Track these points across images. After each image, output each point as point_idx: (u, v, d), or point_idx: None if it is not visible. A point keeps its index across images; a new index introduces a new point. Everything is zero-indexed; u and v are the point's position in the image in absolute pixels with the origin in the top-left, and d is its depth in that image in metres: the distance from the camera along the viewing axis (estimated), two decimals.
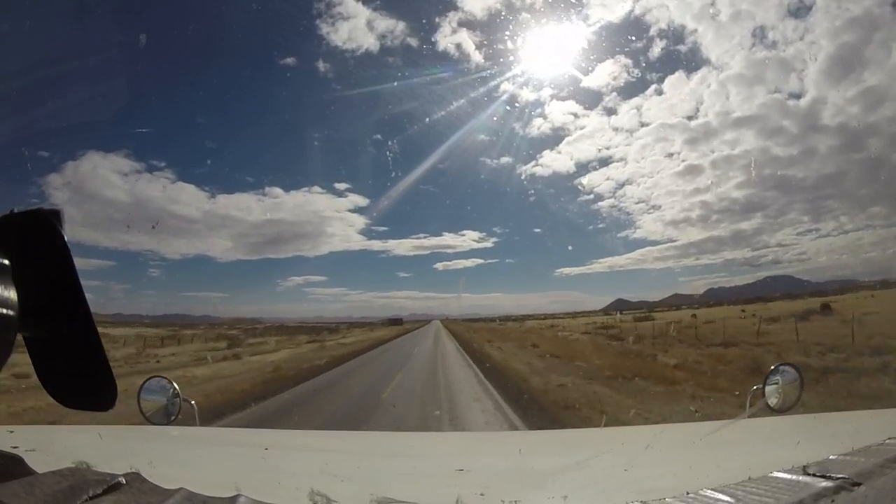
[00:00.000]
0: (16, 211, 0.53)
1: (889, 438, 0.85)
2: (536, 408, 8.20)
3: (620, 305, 29.54)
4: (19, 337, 0.52)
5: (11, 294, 0.48)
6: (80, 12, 20.10)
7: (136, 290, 30.17)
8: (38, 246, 0.53)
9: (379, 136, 27.60)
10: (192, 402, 1.87)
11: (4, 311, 0.47)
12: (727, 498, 0.68)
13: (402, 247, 32.34)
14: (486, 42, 23.63)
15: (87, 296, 0.56)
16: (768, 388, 1.71)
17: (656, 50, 24.04)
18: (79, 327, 0.56)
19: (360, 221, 30.06)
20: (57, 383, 0.58)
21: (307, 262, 32.62)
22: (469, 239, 31.70)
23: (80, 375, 0.58)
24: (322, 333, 29.76)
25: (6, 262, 0.49)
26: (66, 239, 0.54)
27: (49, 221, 0.53)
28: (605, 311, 29.47)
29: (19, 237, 0.52)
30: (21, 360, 0.56)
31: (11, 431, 1.50)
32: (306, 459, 1.56)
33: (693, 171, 26.65)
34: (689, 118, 25.03)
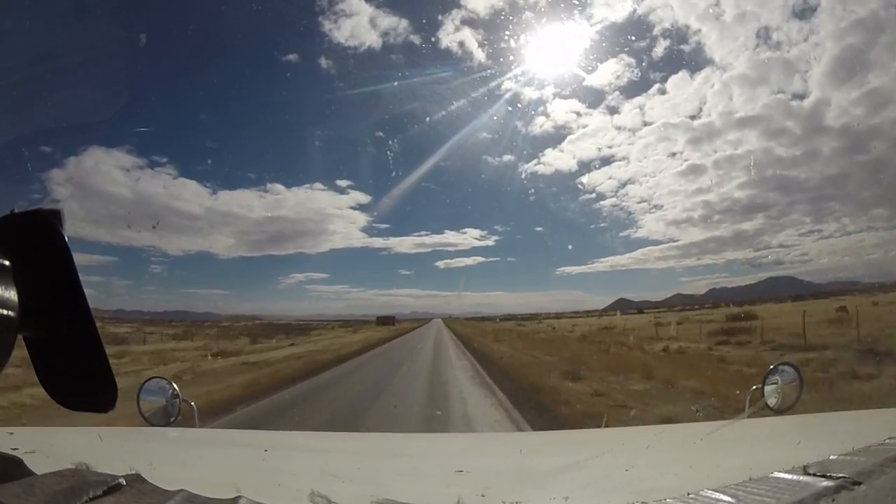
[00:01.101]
0: (16, 211, 0.53)
1: (889, 438, 0.85)
2: None
3: (622, 305, 29.46)
4: (19, 337, 0.52)
5: (11, 294, 0.48)
6: (81, 11, 20.11)
7: (138, 287, 30.15)
8: (38, 246, 0.53)
9: (381, 134, 27.58)
10: (192, 403, 1.86)
11: (4, 311, 0.47)
12: (728, 498, 0.68)
13: (404, 244, 32.18)
14: (488, 40, 23.66)
15: (89, 292, 0.56)
16: (767, 388, 1.71)
17: (660, 49, 24.08)
18: (79, 328, 0.56)
19: (362, 219, 29.94)
20: (57, 384, 0.58)
21: (308, 259, 32.57)
22: (470, 237, 31.59)
23: (80, 376, 0.58)
24: (275, 337, 24.54)
25: (6, 262, 0.49)
26: (66, 239, 0.54)
27: (49, 221, 0.53)
28: (606, 310, 29.29)
29: (19, 237, 0.51)
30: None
31: (11, 433, 1.50)
32: (306, 460, 1.56)
33: (695, 170, 26.67)
34: (692, 118, 25.05)
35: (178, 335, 23.90)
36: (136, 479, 0.66)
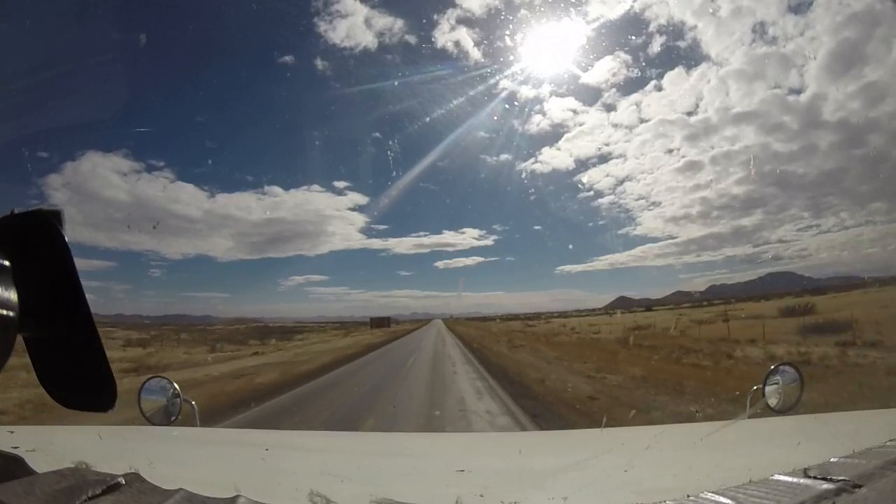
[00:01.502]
0: (16, 211, 0.53)
1: (890, 440, 0.85)
2: None
3: (623, 303, 29.34)
4: (19, 337, 0.52)
5: (11, 294, 0.48)
6: (80, 12, 20.08)
7: (137, 291, 30.17)
8: (38, 246, 0.53)
9: (378, 135, 27.47)
10: (193, 403, 1.87)
11: (4, 311, 0.47)
12: (727, 500, 0.68)
13: (403, 245, 32.08)
14: (484, 39, 23.57)
15: (88, 296, 0.56)
16: (768, 389, 1.71)
17: (656, 46, 23.99)
18: (79, 328, 0.56)
19: (361, 220, 29.86)
20: (57, 384, 0.58)
21: (308, 261, 32.43)
22: (469, 237, 31.48)
23: (80, 376, 0.58)
24: (249, 342, 21.30)
25: (6, 262, 0.49)
26: (66, 239, 0.54)
27: (49, 222, 0.53)
28: (607, 309, 29.14)
29: (19, 237, 0.52)
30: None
31: (12, 432, 1.50)
32: (306, 460, 1.56)
33: (693, 167, 26.58)
34: (689, 114, 24.94)
35: (135, 342, 20.84)
36: (135, 479, 0.66)
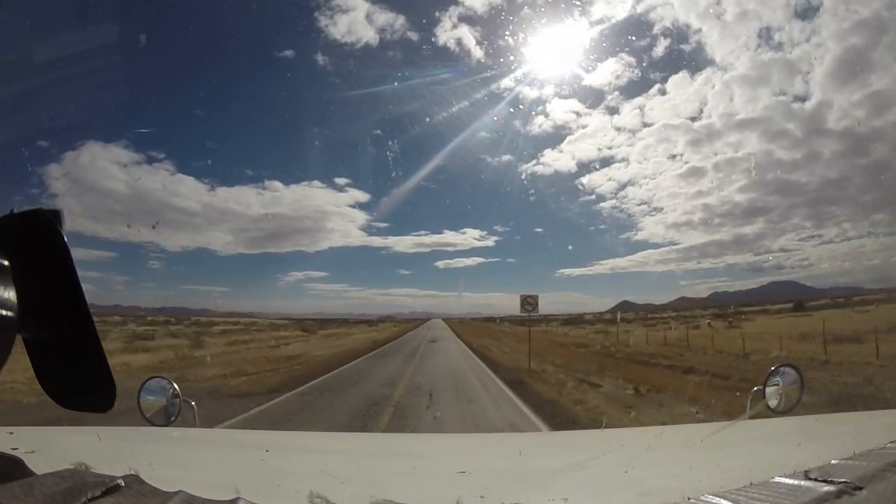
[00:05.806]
0: (15, 211, 0.53)
1: (890, 442, 0.85)
2: None
3: (625, 308, 29.18)
4: (18, 337, 0.52)
5: (11, 294, 0.48)
6: (81, 7, 20.08)
7: (136, 283, 29.94)
8: (38, 246, 0.53)
9: (379, 132, 27.30)
10: (192, 403, 1.86)
11: (4, 311, 0.47)
12: (728, 503, 0.68)
13: (403, 244, 31.91)
14: (487, 40, 23.54)
15: (87, 287, 0.56)
16: (769, 390, 1.71)
17: (660, 49, 23.85)
18: (78, 328, 0.56)
19: (361, 217, 29.72)
20: (56, 384, 0.58)
21: (307, 257, 32.28)
22: (470, 237, 31.34)
23: (79, 376, 0.58)
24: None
25: (6, 262, 0.49)
26: (65, 239, 0.54)
27: (49, 222, 0.53)
28: (607, 314, 28.97)
29: (19, 237, 0.51)
30: None
31: (11, 433, 1.50)
32: (306, 461, 1.56)
33: (696, 173, 26.47)
34: (693, 119, 24.79)
35: None
36: (134, 480, 0.66)
